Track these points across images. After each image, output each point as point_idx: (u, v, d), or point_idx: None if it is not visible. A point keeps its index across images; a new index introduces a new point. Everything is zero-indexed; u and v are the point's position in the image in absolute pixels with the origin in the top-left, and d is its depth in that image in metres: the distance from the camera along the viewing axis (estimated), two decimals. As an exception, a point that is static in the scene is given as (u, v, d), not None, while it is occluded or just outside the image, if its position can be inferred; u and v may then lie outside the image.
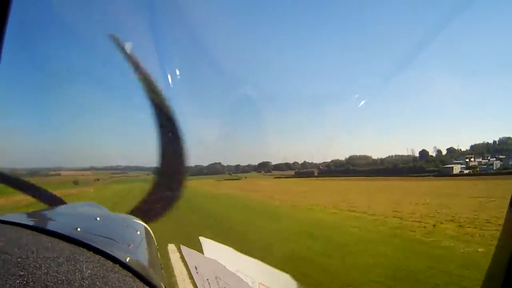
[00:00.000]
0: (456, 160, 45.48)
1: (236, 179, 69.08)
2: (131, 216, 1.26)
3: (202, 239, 0.55)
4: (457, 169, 41.02)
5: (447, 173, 39.74)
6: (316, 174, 73.77)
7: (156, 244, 1.10)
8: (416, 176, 40.90)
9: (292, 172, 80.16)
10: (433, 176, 39.97)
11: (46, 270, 0.47)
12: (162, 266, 0.94)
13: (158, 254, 1.05)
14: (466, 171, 39.74)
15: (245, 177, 76.53)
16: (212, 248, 0.53)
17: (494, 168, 38.43)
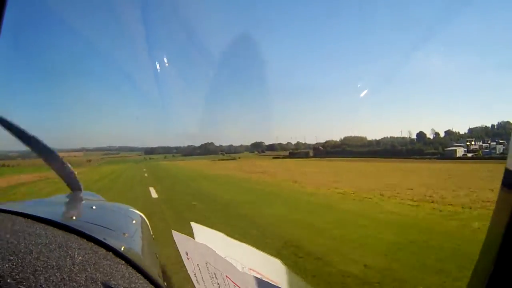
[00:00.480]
0: (457, 143, 44.28)
1: (231, 159, 66.29)
2: (128, 206, 1.25)
3: (193, 224, 0.50)
4: (460, 152, 39.83)
5: (450, 156, 38.30)
6: (311, 154, 72.37)
7: (151, 233, 1.11)
8: (418, 159, 39.34)
9: (286, 153, 78.49)
10: (436, 158, 38.58)
11: (36, 255, 0.46)
12: (157, 255, 0.94)
13: (154, 243, 1.04)
14: (469, 155, 38.62)
15: (239, 157, 74.03)
16: (203, 233, 0.50)
17: (497, 152, 37.38)
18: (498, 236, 0.29)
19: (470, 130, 48.53)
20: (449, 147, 42.17)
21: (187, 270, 0.48)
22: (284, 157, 65.39)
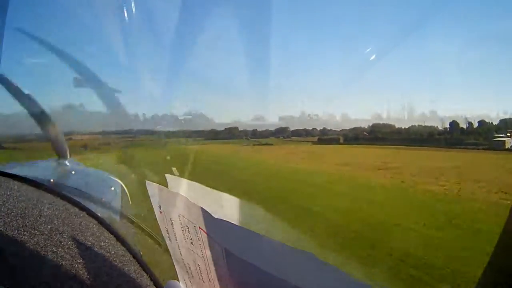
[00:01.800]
0: (498, 133, 44.61)
1: (266, 145, 65.31)
2: (108, 173, 1.25)
3: (168, 176, 0.45)
4: (508, 143, 40.50)
5: (499, 147, 38.99)
6: (341, 141, 72.73)
7: (130, 203, 1.07)
8: (464, 149, 39.88)
9: (315, 139, 78.53)
10: (483, 149, 39.23)
11: (1, 203, 0.44)
12: (133, 222, 0.90)
13: (131, 212, 0.99)
14: (516, 146, 39.35)
15: (266, 143, 73.19)
16: (179, 184, 0.45)
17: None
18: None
19: (504, 121, 48.97)
20: (493, 137, 42.84)
21: (160, 229, 0.43)
22: (315, 143, 65.59)
